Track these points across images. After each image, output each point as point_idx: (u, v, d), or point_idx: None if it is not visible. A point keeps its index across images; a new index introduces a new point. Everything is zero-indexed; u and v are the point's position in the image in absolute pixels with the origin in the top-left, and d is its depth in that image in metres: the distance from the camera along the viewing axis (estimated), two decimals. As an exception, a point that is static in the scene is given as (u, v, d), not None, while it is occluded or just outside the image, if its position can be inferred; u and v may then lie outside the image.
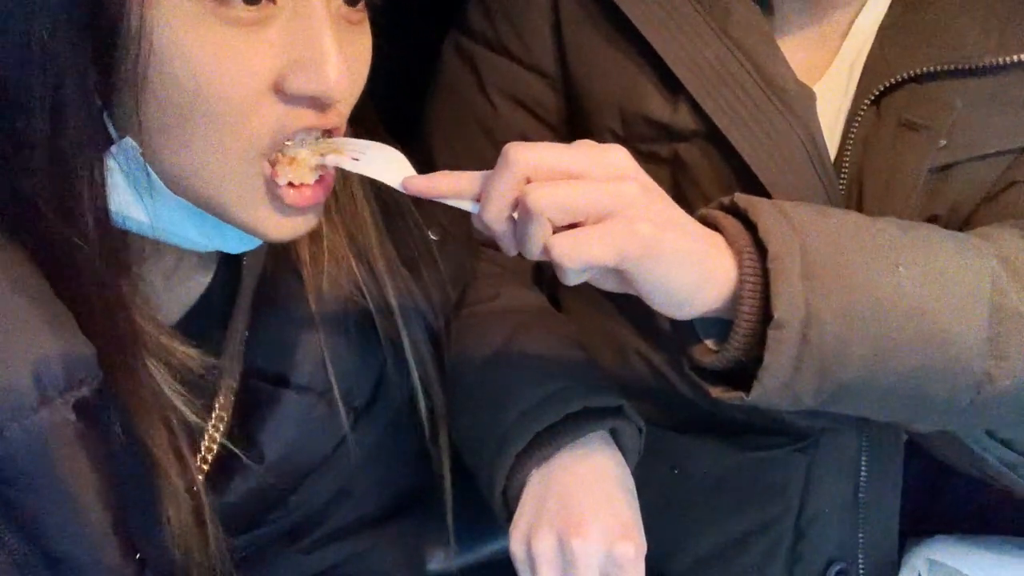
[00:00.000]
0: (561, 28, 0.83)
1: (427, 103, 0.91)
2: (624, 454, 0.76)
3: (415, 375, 0.73)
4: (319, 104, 0.55)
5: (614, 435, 0.76)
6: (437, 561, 0.86)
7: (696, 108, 0.79)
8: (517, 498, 0.74)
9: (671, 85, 0.80)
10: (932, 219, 0.79)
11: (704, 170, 0.81)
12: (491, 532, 0.86)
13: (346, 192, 0.69)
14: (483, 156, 0.85)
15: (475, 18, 0.87)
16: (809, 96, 0.79)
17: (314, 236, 0.68)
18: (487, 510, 0.77)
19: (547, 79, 0.85)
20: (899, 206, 0.78)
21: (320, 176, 0.59)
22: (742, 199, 0.67)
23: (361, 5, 0.58)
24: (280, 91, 0.54)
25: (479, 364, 0.80)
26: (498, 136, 0.86)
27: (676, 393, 0.92)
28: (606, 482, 0.73)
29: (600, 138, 0.82)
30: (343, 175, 0.68)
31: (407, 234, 0.74)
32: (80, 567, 0.58)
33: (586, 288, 0.94)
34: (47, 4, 0.51)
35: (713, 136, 0.80)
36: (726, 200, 0.69)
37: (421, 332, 0.74)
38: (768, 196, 0.76)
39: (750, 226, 0.66)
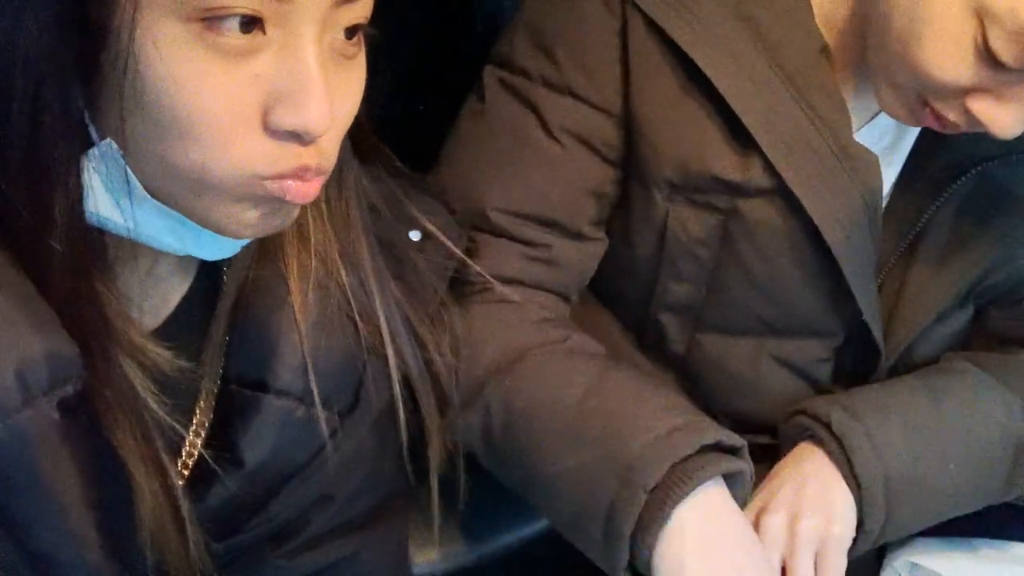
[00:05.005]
0: (629, 68, 0.82)
1: (468, 145, 0.87)
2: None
3: (396, 387, 0.72)
4: (300, 139, 0.54)
5: (729, 480, 0.76)
6: (422, 565, 0.86)
7: (767, 167, 0.80)
8: (652, 537, 0.71)
9: (742, 143, 0.81)
10: (991, 287, 0.90)
11: (764, 225, 0.83)
12: (477, 537, 0.86)
13: (340, 203, 0.69)
14: (549, 199, 0.85)
15: (528, 58, 0.85)
16: (875, 161, 0.82)
17: (304, 244, 0.68)
18: (474, 515, 0.76)
19: (613, 117, 0.84)
20: (956, 278, 0.87)
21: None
22: (838, 425, 0.82)
23: (357, 38, 0.57)
24: (266, 124, 0.54)
25: (575, 400, 0.78)
26: (563, 176, 0.85)
27: None
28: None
29: (653, 184, 0.84)
30: (337, 183, 0.68)
31: (391, 236, 0.74)
32: (63, 566, 0.57)
33: (587, 301, 0.94)
34: (37, 10, 0.51)
35: (781, 194, 0.82)
36: (823, 415, 0.84)
37: (407, 344, 0.73)
38: (829, 253, 0.83)
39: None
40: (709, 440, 0.74)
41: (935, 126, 0.76)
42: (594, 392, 0.78)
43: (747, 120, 0.79)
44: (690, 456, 0.72)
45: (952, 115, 0.73)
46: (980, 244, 0.87)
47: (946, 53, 0.69)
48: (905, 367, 0.93)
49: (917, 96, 0.74)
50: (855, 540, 0.82)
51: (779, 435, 0.89)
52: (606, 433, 0.75)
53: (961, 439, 0.85)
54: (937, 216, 0.87)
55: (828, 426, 0.83)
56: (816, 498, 0.80)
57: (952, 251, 0.87)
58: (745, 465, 0.76)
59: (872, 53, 0.77)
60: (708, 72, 0.79)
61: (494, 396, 0.80)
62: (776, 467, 0.85)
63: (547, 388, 0.79)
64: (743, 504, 0.77)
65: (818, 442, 0.84)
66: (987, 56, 0.68)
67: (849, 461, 0.81)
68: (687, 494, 0.71)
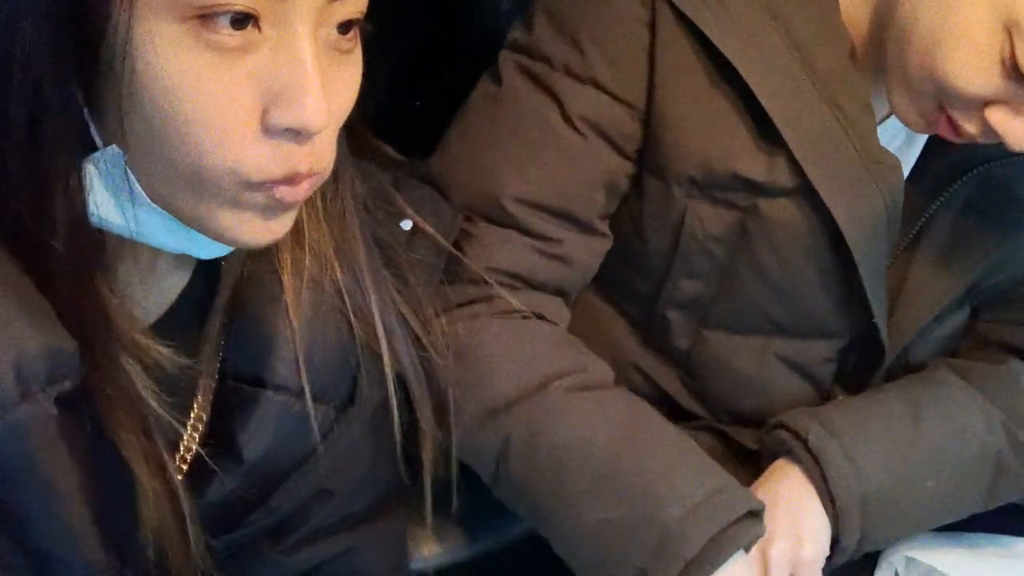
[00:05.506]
0: (655, 63, 0.81)
1: (482, 131, 0.86)
2: None
3: (391, 386, 0.72)
4: (298, 137, 0.54)
5: None
6: (420, 560, 0.86)
7: (793, 167, 0.80)
8: None
9: (769, 142, 0.80)
10: (988, 287, 0.91)
11: (784, 225, 0.83)
12: (473, 532, 0.86)
13: (336, 201, 0.69)
14: (566, 189, 0.83)
15: (550, 45, 0.83)
16: (897, 165, 0.82)
17: (298, 240, 0.68)
18: (469, 510, 0.76)
19: (633, 110, 0.83)
20: (956, 277, 0.88)
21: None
22: (815, 443, 0.82)
23: (353, 33, 0.57)
24: (264, 125, 0.53)
25: (605, 448, 0.76)
26: (580, 166, 0.83)
27: (673, 403, 0.94)
28: None
29: (673, 180, 0.83)
30: (333, 181, 0.67)
31: (385, 233, 0.74)
32: (61, 562, 0.58)
33: (589, 297, 0.94)
34: (32, 12, 0.51)
35: (805, 194, 0.81)
36: (801, 431, 0.83)
37: (402, 343, 0.73)
38: (850, 254, 0.81)
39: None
40: (744, 509, 0.74)
41: (949, 135, 0.76)
42: (628, 442, 0.77)
43: (776, 118, 0.79)
44: (724, 527, 0.73)
45: (969, 125, 0.73)
46: (980, 244, 0.87)
47: (971, 64, 0.69)
48: (902, 368, 0.93)
49: (935, 104, 0.74)
50: (831, 555, 0.82)
51: (759, 445, 0.89)
52: (640, 493, 0.74)
53: (940, 456, 0.85)
54: (938, 215, 0.87)
55: (805, 442, 0.83)
56: (787, 521, 0.80)
57: (953, 251, 0.87)
58: (765, 528, 0.77)
59: (891, 58, 0.76)
60: (739, 67, 0.78)
61: (516, 428, 0.78)
62: (754, 485, 0.85)
63: (578, 430, 0.77)
64: None
65: (795, 459, 0.84)
66: (1013, 70, 0.68)
67: (825, 479, 0.81)
68: (720, 564, 0.72)
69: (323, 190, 0.67)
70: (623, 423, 0.78)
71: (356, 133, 0.69)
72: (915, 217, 0.87)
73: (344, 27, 0.56)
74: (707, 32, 0.78)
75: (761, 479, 0.85)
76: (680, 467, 0.76)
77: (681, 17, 0.79)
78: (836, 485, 0.81)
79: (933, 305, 0.89)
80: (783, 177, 0.81)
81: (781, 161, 0.80)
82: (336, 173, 0.67)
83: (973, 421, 0.87)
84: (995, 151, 0.83)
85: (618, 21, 0.81)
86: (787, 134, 0.79)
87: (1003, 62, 0.68)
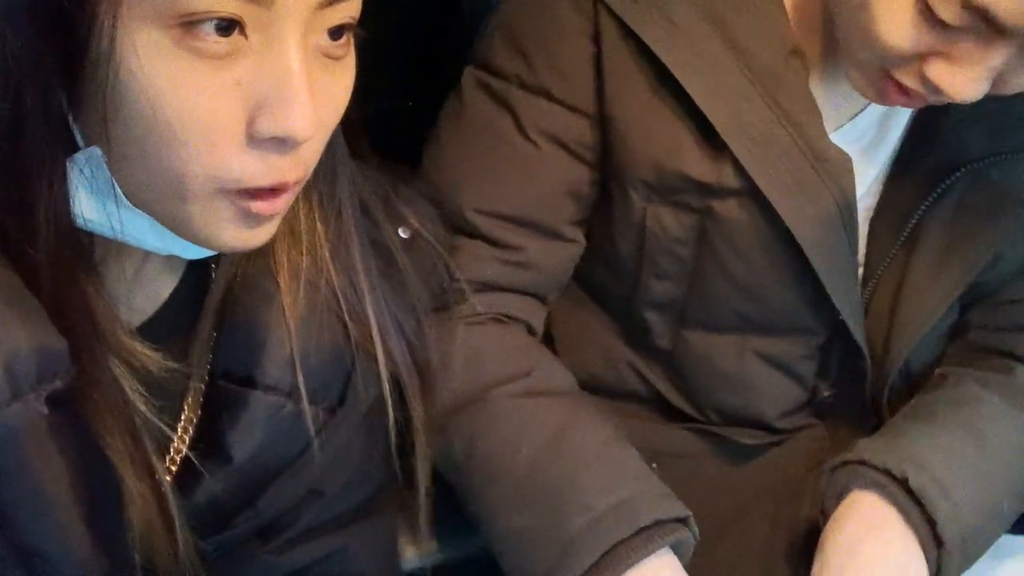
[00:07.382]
0: (603, 71, 0.82)
1: (447, 145, 0.88)
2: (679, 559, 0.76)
3: (385, 386, 0.72)
4: (284, 146, 0.54)
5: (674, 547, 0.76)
6: (411, 560, 0.86)
7: (738, 168, 0.81)
8: None
9: (714, 144, 0.81)
10: (977, 286, 0.89)
11: (738, 225, 0.83)
12: (464, 531, 0.86)
13: (332, 201, 0.69)
14: (526, 198, 0.85)
15: (504, 59, 0.85)
16: (847, 162, 0.82)
17: (295, 241, 0.68)
18: (462, 509, 0.76)
19: (588, 118, 0.84)
20: (954, 280, 0.87)
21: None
22: (917, 484, 0.79)
23: (346, 39, 0.57)
24: (249, 133, 0.53)
25: (529, 457, 0.78)
26: (541, 177, 0.85)
27: (665, 401, 0.94)
28: None
29: (630, 184, 0.84)
30: (330, 182, 0.67)
31: (382, 235, 0.74)
32: (51, 560, 0.58)
33: (579, 298, 0.95)
34: (14, 17, 0.51)
35: (752, 195, 0.82)
36: (895, 471, 0.80)
37: (396, 343, 0.73)
38: (802, 253, 0.83)
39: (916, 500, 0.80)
40: (646, 522, 0.74)
41: (900, 100, 0.75)
42: (546, 453, 0.78)
43: (717, 122, 0.80)
44: (626, 538, 0.73)
45: (913, 84, 0.73)
46: (976, 245, 0.87)
47: (893, 20, 0.70)
48: (901, 372, 0.93)
49: (879, 69, 0.74)
50: None
51: (825, 481, 0.86)
52: (551, 503, 0.76)
53: (1006, 478, 0.85)
54: (929, 217, 0.87)
55: (904, 483, 0.80)
56: None
57: (949, 252, 0.87)
58: (686, 534, 0.76)
59: (839, 35, 0.77)
60: (677, 74, 0.79)
61: (456, 434, 0.81)
62: (855, 533, 0.81)
63: (504, 440, 0.80)
64: (686, 563, 0.77)
65: (891, 501, 0.80)
66: (930, 16, 0.68)
67: (931, 523, 0.79)
68: (621, 573, 0.73)
69: (320, 191, 0.67)
70: (551, 432, 0.79)
71: (351, 138, 0.69)
72: (906, 218, 0.87)
73: (336, 33, 0.55)
74: (644, 37, 0.80)
75: (852, 525, 0.81)
76: (593, 477, 0.77)
77: (624, 26, 0.80)
78: (945, 529, 0.79)
79: (935, 308, 0.89)
80: (729, 178, 0.82)
81: (727, 163, 0.81)
82: (333, 174, 0.67)
83: (1018, 437, 0.87)
84: (979, 151, 0.83)
85: (563, 33, 0.83)
86: (728, 136, 0.80)
87: (919, 10, 0.69)
